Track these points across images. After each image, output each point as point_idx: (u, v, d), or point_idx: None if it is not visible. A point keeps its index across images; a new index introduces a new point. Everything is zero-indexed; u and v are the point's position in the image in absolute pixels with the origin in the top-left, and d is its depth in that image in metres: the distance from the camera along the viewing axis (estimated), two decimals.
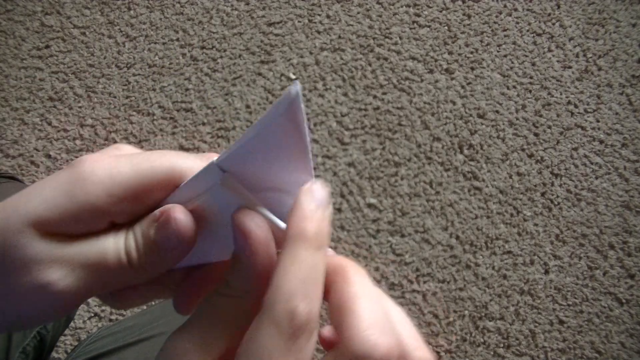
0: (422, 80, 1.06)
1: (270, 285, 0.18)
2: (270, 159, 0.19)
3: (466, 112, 1.04)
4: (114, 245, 0.20)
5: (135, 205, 0.21)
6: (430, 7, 1.11)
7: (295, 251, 0.18)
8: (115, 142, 1.04)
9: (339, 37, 1.10)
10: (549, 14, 1.11)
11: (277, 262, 0.19)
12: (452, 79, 1.06)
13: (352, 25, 1.11)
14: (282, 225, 0.21)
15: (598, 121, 1.03)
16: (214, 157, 0.20)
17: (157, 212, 0.20)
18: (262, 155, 0.19)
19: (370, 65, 1.07)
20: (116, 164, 0.20)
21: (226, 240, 0.21)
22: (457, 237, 0.96)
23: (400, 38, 1.09)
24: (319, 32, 1.10)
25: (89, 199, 0.20)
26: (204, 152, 1.02)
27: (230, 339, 0.20)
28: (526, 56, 1.08)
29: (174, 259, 0.21)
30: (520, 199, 0.99)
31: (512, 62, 1.07)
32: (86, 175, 0.20)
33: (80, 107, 1.07)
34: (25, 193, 0.20)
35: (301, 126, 0.19)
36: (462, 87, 1.06)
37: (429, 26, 1.10)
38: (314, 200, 0.19)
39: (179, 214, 0.20)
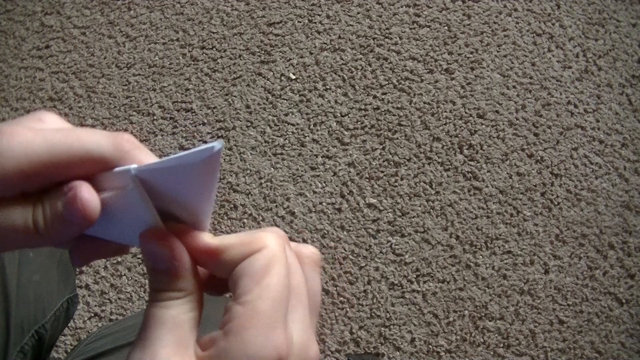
0: (422, 80, 1.06)
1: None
2: (181, 186, 0.22)
3: (466, 112, 1.04)
4: (22, 216, 0.22)
5: (45, 181, 0.22)
6: (430, 7, 1.11)
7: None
8: None
9: (339, 37, 1.10)
10: (549, 14, 1.11)
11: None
12: (452, 79, 1.06)
13: (352, 25, 1.11)
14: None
15: (598, 121, 1.03)
16: (124, 136, 0.23)
17: (65, 187, 0.22)
18: (175, 182, 0.21)
19: (370, 65, 1.07)
20: (32, 141, 0.21)
21: (127, 229, 0.24)
22: (457, 237, 0.96)
23: (400, 38, 1.09)
24: (319, 32, 1.10)
25: (2, 174, 0.21)
26: None
27: (193, 337, 0.22)
28: (526, 56, 1.08)
29: (78, 230, 0.23)
30: (520, 199, 0.98)
31: (512, 62, 1.07)
32: (1, 150, 0.21)
33: (80, 107, 1.07)
34: None
35: (214, 174, 0.22)
36: (462, 87, 1.06)
37: (429, 26, 1.10)
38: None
39: (85, 193, 0.21)
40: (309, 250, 0.26)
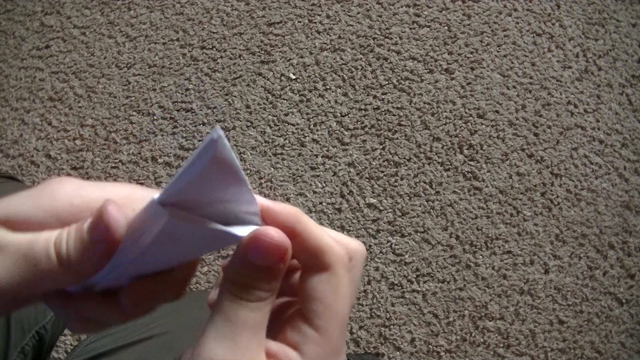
0: (422, 80, 1.06)
1: (325, 249, 0.23)
2: (208, 195, 0.21)
3: (466, 112, 1.04)
4: (44, 237, 0.21)
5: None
6: (430, 7, 1.11)
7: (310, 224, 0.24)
8: (116, 142, 1.04)
9: (339, 37, 1.10)
10: (549, 14, 1.11)
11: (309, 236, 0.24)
12: (452, 79, 1.06)
13: (352, 25, 1.11)
14: (238, 232, 0.22)
15: (598, 121, 1.03)
16: None
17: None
18: (200, 193, 0.20)
19: (370, 65, 1.07)
20: (84, 183, 0.23)
21: (185, 248, 0.23)
22: (457, 237, 0.96)
23: (400, 38, 1.09)
24: (319, 32, 1.10)
25: (53, 205, 0.21)
26: None
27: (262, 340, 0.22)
28: (526, 56, 1.08)
29: (102, 252, 0.21)
30: (520, 199, 0.98)
31: (512, 62, 1.07)
32: (55, 187, 0.22)
33: (80, 107, 1.07)
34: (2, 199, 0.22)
35: (232, 165, 0.20)
36: (462, 87, 1.06)
37: (429, 26, 1.10)
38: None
39: (111, 208, 0.21)
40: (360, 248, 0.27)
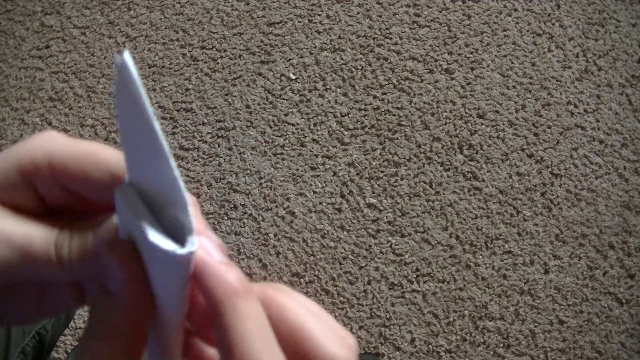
0: (422, 80, 1.06)
1: (231, 353, 0.17)
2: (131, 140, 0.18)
3: (466, 112, 1.04)
4: (43, 234, 0.20)
5: (54, 179, 0.20)
6: (430, 7, 1.11)
7: (237, 309, 0.18)
8: (116, 142, 1.04)
9: (339, 37, 1.10)
10: (549, 14, 1.11)
11: (220, 326, 0.18)
12: (452, 79, 1.06)
13: (352, 25, 1.11)
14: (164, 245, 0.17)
15: (598, 121, 1.03)
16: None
17: (98, 218, 0.20)
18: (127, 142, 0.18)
19: (370, 65, 1.07)
20: (55, 139, 0.20)
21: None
22: (457, 237, 0.96)
23: (400, 38, 1.09)
24: (319, 32, 1.10)
25: (16, 160, 0.20)
26: (203, 152, 1.02)
27: None
28: (526, 56, 1.08)
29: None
30: (520, 199, 0.99)
31: (512, 62, 1.07)
32: (23, 143, 0.20)
33: (80, 107, 1.07)
34: None
35: (137, 97, 0.16)
36: (462, 87, 1.06)
37: (429, 26, 1.10)
38: (213, 252, 0.19)
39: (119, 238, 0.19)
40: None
